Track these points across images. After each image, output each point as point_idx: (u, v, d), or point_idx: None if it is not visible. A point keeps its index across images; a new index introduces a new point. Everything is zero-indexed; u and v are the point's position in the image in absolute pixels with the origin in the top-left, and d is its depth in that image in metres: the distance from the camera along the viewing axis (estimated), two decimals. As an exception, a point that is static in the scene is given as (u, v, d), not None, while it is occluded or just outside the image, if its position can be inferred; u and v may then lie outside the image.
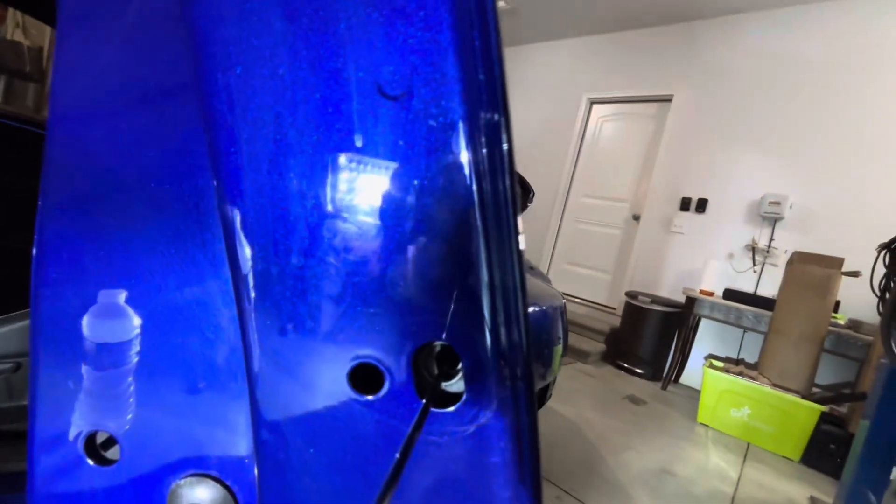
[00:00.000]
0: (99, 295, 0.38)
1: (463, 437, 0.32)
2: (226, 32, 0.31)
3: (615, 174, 4.14)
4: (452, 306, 0.30)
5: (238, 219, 0.33)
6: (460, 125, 0.28)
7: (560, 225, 4.47)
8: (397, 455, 0.25)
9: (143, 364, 0.38)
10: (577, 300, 4.25)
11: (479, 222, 0.29)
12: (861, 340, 2.46)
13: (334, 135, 0.31)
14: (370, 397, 0.33)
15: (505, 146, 0.29)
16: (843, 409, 2.60)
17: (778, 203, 3.05)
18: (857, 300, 2.77)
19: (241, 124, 0.32)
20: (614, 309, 3.96)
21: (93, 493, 0.39)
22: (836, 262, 2.44)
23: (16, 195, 1.03)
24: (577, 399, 2.55)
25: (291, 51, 0.30)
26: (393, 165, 0.30)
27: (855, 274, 2.42)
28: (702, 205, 3.48)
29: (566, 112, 4.45)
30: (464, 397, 0.31)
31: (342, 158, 0.31)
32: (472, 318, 0.30)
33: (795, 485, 2.04)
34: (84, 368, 0.38)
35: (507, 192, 0.29)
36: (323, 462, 0.34)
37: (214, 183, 0.34)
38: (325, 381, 0.33)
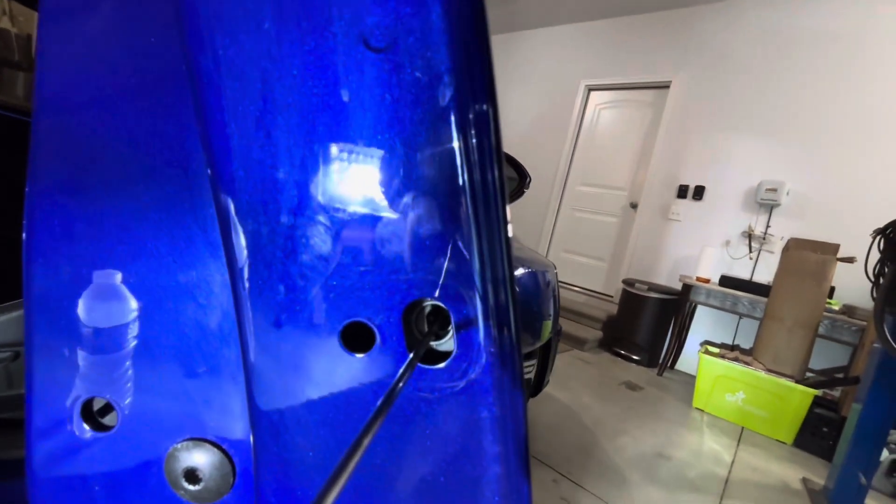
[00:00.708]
0: (93, 274, 0.38)
1: (453, 393, 0.33)
2: None
3: (612, 162, 4.13)
4: (442, 264, 0.31)
5: (227, 177, 0.33)
6: (446, 77, 0.28)
7: (557, 213, 4.46)
8: (378, 403, 0.26)
9: (138, 334, 0.38)
10: (574, 288, 4.27)
11: (465, 177, 0.29)
12: (855, 325, 2.48)
13: (320, 89, 0.30)
14: (361, 355, 0.33)
15: (489, 100, 0.29)
16: (836, 392, 2.64)
17: (774, 190, 3.05)
18: (852, 286, 2.79)
19: (228, 82, 0.31)
20: (611, 297, 3.98)
21: (91, 458, 0.40)
22: (832, 248, 2.45)
23: (10, 184, 1.02)
24: (574, 385, 2.57)
25: (276, 5, 0.30)
26: (381, 121, 0.30)
27: (850, 260, 2.43)
28: (699, 192, 3.48)
29: (563, 99, 4.41)
30: (453, 354, 0.32)
31: (329, 115, 0.31)
32: (462, 277, 0.31)
33: (788, 467, 2.08)
34: (80, 337, 0.38)
35: (492, 150, 0.30)
36: (316, 421, 0.35)
37: (201, 131, 0.34)
38: (318, 341, 0.33)
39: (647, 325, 3.30)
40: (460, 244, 0.30)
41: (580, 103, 4.31)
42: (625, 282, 3.49)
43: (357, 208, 0.31)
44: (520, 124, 4.76)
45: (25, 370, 0.40)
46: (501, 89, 4.93)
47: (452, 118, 0.29)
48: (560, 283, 4.31)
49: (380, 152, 0.30)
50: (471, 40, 0.28)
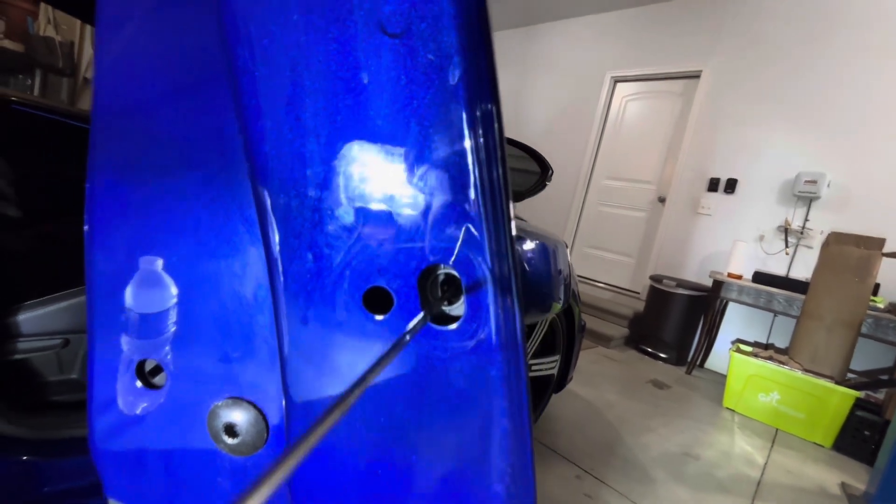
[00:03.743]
0: (143, 258, 0.43)
1: (465, 352, 0.36)
2: None
3: (640, 155, 4.02)
4: (452, 234, 0.34)
5: (261, 157, 0.37)
6: (455, 59, 0.31)
7: (582, 208, 4.39)
8: (384, 352, 0.29)
9: (184, 304, 0.42)
10: (599, 284, 4.19)
11: (472, 152, 0.32)
12: (901, 324, 2.35)
13: (343, 73, 0.33)
14: (381, 317, 0.36)
15: (491, 80, 0.32)
16: (879, 395, 2.51)
17: (814, 182, 2.90)
18: (899, 283, 2.65)
19: (262, 70, 0.35)
20: (638, 293, 3.89)
21: (143, 413, 0.45)
22: (877, 243, 2.32)
23: (59, 185, 1.08)
24: (599, 382, 2.54)
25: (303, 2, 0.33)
26: (398, 99, 0.33)
27: (897, 255, 2.30)
28: (731, 185, 3.35)
29: (588, 92, 4.32)
30: (464, 315, 0.35)
31: (351, 97, 0.34)
32: (470, 246, 0.34)
33: (826, 470, 1.99)
34: (133, 308, 0.43)
35: (495, 128, 0.32)
36: (340, 381, 0.38)
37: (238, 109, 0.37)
38: (343, 304, 0.37)
39: (676, 322, 3.21)
40: (468, 215, 0.33)
41: (606, 95, 4.21)
42: (652, 278, 3.41)
43: (376, 182, 0.34)
44: (543, 118, 4.69)
45: (87, 336, 0.45)
46: (524, 83, 4.87)
47: (461, 97, 0.31)
48: (586, 280, 4.25)
49: (396, 130, 0.33)
50: (475, 25, 0.31)
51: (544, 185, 0.90)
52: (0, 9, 2.97)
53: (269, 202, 0.37)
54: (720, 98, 3.48)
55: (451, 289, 0.36)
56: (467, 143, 0.32)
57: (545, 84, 4.71)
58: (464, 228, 0.33)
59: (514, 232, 0.34)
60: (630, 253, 4.05)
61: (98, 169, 0.43)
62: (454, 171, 0.33)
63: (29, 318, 0.75)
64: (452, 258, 0.34)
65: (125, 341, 0.43)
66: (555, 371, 1.71)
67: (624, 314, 3.61)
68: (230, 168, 0.39)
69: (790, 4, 3.16)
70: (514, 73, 4.99)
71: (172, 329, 0.42)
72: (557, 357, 1.70)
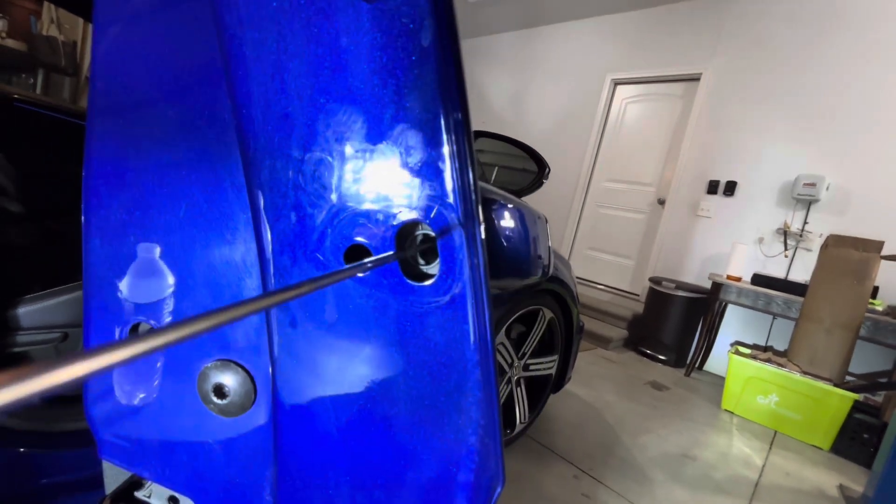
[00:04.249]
0: (136, 227, 0.44)
1: (439, 307, 0.37)
2: None
3: (640, 157, 4.03)
4: (426, 194, 0.35)
5: (248, 120, 0.38)
6: (426, 22, 0.32)
7: (582, 210, 4.39)
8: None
9: (176, 268, 0.44)
10: (599, 286, 4.19)
11: (441, 113, 0.33)
12: (900, 327, 2.35)
13: (322, 37, 0.35)
14: (362, 275, 0.38)
15: (455, 46, 0.34)
16: (878, 397, 2.50)
17: (813, 184, 2.91)
18: (898, 286, 2.65)
19: (249, 34, 0.36)
20: (637, 295, 3.89)
21: (136, 371, 0.46)
22: (876, 246, 2.32)
23: (60, 182, 1.09)
24: (598, 384, 2.54)
25: None
26: (375, 61, 0.34)
27: None
28: (730, 187, 3.36)
29: (589, 94, 4.33)
30: (438, 273, 0.37)
31: (332, 58, 0.35)
32: (442, 206, 0.35)
33: (824, 473, 1.99)
34: (129, 274, 0.44)
35: (459, 92, 0.34)
36: (324, 336, 0.40)
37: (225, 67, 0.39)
38: (325, 262, 0.38)
39: (675, 324, 3.22)
40: (440, 176, 0.35)
41: (606, 98, 4.22)
42: (651, 280, 3.41)
43: (356, 144, 0.36)
44: (544, 120, 4.71)
45: (83, 299, 0.46)
46: (525, 85, 4.89)
47: (432, 59, 0.33)
48: (585, 281, 4.26)
49: (373, 89, 0.35)
50: None
51: (542, 183, 0.91)
52: (3, 8, 2.99)
53: (256, 165, 0.38)
54: (720, 101, 3.49)
55: (428, 249, 0.37)
56: (439, 107, 0.33)
57: (546, 86, 4.72)
58: (437, 189, 0.35)
59: (477, 202, 0.36)
60: (629, 255, 4.05)
61: (94, 153, 0.44)
62: (426, 134, 0.34)
63: (28, 311, 0.76)
64: (431, 215, 0.35)
65: (119, 304, 0.44)
66: (553, 371, 1.71)
67: (623, 316, 3.61)
68: (220, 141, 0.40)
69: (790, 8, 3.17)
70: (514, 76, 5.01)
71: (166, 293, 0.43)
72: (556, 357, 1.70)
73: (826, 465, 2.09)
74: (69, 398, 0.77)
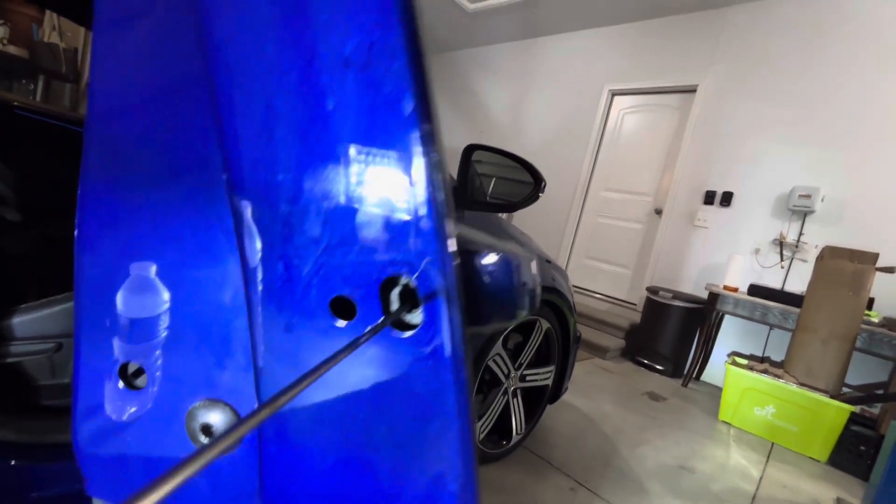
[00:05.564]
0: (131, 265, 0.44)
1: (422, 357, 0.38)
2: (227, 14, 0.38)
3: (637, 167, 4.06)
4: (409, 248, 0.37)
5: (238, 174, 0.40)
6: (409, 92, 0.35)
7: (580, 219, 4.41)
8: (335, 351, 0.31)
9: (166, 310, 0.44)
10: (596, 295, 4.20)
11: (423, 177, 0.36)
12: None
13: (310, 100, 0.37)
14: (344, 323, 0.39)
15: (434, 115, 0.36)
16: (874, 409, 2.50)
17: (808, 196, 2.93)
18: (894, 297, 2.66)
19: (239, 96, 0.38)
20: (634, 304, 3.90)
21: (125, 413, 0.46)
22: (870, 258, 2.34)
23: (57, 188, 1.09)
24: (595, 394, 2.53)
25: (276, 35, 0.37)
26: (359, 123, 0.36)
27: (890, 269, 2.32)
28: (727, 198, 3.38)
29: (586, 105, 4.37)
30: (421, 324, 0.38)
31: (317, 120, 0.37)
32: (421, 260, 0.37)
33: (821, 485, 1.98)
34: (119, 312, 0.45)
35: (437, 159, 0.36)
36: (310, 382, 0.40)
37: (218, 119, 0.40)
38: (311, 311, 0.40)
39: (672, 334, 3.22)
40: (420, 231, 0.36)
41: (603, 108, 4.26)
42: (649, 289, 3.41)
43: (341, 199, 0.37)
44: (542, 130, 4.74)
45: (74, 337, 0.46)
46: (523, 95, 4.93)
47: (413, 125, 0.35)
48: (582, 291, 4.26)
49: (357, 152, 0.36)
50: (419, 62, 0.35)
51: (537, 197, 0.91)
52: (5, 14, 3.01)
53: (244, 214, 0.39)
54: (716, 112, 3.53)
55: (412, 299, 0.39)
56: (421, 170, 0.36)
57: (544, 97, 4.76)
58: (417, 245, 0.37)
59: (454, 248, 0.38)
60: (627, 264, 4.06)
61: (90, 174, 0.45)
62: (408, 191, 0.36)
63: (22, 321, 0.75)
64: (413, 269, 0.37)
65: (110, 343, 0.45)
66: (550, 381, 1.71)
67: (620, 325, 3.61)
68: (212, 183, 0.42)
69: (785, 21, 3.23)
70: (513, 86, 5.05)
71: (154, 335, 0.44)
72: (552, 367, 1.70)
73: (823, 477, 2.08)
74: (61, 409, 0.77)
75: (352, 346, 0.32)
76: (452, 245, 0.37)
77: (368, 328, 0.37)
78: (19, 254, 1.05)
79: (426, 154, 0.36)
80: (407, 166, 0.36)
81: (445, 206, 0.37)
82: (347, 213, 0.37)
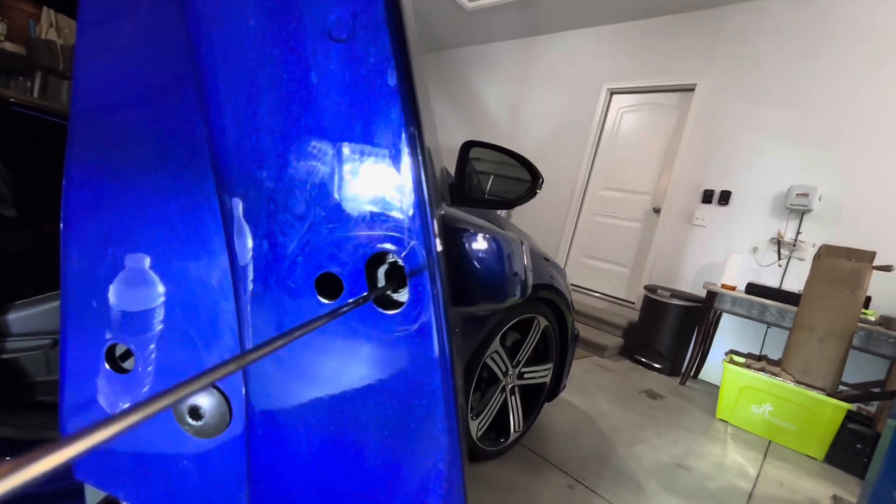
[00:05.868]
0: (117, 253, 0.44)
1: (407, 335, 0.38)
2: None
3: (635, 166, 4.06)
4: (393, 224, 0.36)
5: (223, 151, 0.39)
6: (392, 62, 0.34)
7: (578, 218, 4.41)
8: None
9: (154, 293, 0.44)
10: (594, 294, 4.20)
11: (407, 149, 0.35)
12: (892, 337, 2.36)
13: (294, 74, 0.36)
14: (330, 301, 0.38)
15: (415, 86, 0.35)
16: (871, 407, 2.51)
17: (806, 195, 2.94)
18: (891, 296, 2.67)
19: (224, 69, 0.38)
20: (633, 303, 3.90)
21: (111, 396, 0.46)
22: (867, 256, 2.35)
23: (54, 185, 1.09)
24: (593, 392, 2.54)
25: (258, 12, 0.36)
26: (343, 96, 0.35)
27: (887, 268, 2.32)
28: (725, 197, 3.39)
29: (585, 103, 4.37)
30: (406, 301, 0.38)
31: (301, 94, 0.36)
32: (408, 236, 0.36)
33: (818, 483, 1.99)
34: (109, 294, 0.45)
35: (420, 134, 0.35)
36: (295, 361, 0.40)
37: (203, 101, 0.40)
38: (297, 290, 0.39)
39: (670, 332, 3.22)
40: (404, 209, 0.36)
41: (602, 107, 4.26)
42: (647, 288, 3.42)
43: (326, 176, 0.37)
44: (540, 128, 4.74)
45: (60, 322, 0.46)
46: (522, 94, 4.92)
47: (397, 93, 0.34)
48: (580, 289, 4.26)
49: (343, 126, 0.36)
50: (403, 32, 0.34)
51: (535, 193, 0.91)
52: (2, 11, 2.99)
53: (229, 195, 0.39)
54: (714, 111, 3.53)
55: (399, 278, 0.38)
56: (405, 143, 0.35)
57: (543, 94, 4.76)
58: (404, 221, 0.36)
59: (440, 225, 0.37)
60: (625, 263, 4.06)
61: (74, 166, 0.45)
62: (394, 168, 0.36)
63: (18, 317, 0.75)
64: (399, 246, 0.36)
65: (97, 328, 0.45)
66: (548, 379, 1.71)
67: (618, 324, 3.61)
68: (198, 168, 0.41)
69: (783, 21, 3.23)
70: (512, 84, 5.05)
71: (143, 317, 0.44)
72: (550, 365, 1.70)
73: (820, 475, 2.09)
74: (52, 405, 0.76)
75: (333, 314, 0.32)
76: (441, 222, 0.37)
77: (351, 300, 0.36)
78: (16, 251, 1.05)
79: (413, 128, 0.35)
80: (395, 141, 0.35)
81: (434, 182, 0.36)
82: (333, 189, 0.37)
